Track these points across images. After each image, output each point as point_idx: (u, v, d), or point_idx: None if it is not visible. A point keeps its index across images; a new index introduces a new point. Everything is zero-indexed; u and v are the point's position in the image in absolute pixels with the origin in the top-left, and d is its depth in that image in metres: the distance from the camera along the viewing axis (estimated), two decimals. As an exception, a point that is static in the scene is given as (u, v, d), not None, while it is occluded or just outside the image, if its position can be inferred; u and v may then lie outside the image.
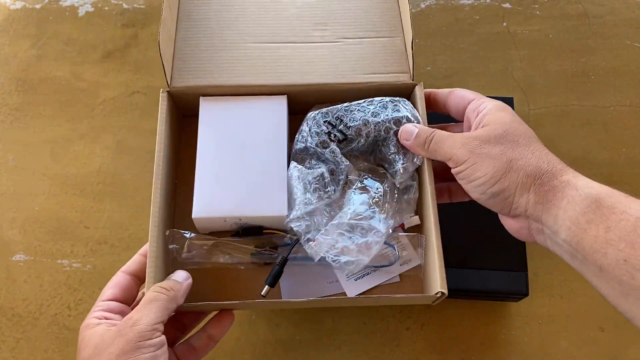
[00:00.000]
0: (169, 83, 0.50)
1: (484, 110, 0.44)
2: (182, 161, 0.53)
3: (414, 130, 0.46)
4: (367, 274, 0.50)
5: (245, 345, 0.59)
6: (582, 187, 0.37)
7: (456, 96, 0.48)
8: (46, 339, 0.60)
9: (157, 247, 0.45)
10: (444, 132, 0.44)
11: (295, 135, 0.50)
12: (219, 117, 0.49)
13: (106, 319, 0.41)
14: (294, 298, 0.47)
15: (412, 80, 0.51)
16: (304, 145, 0.49)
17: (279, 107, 0.50)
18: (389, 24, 0.54)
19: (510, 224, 0.42)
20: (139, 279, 0.46)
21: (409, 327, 0.60)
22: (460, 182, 0.43)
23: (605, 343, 0.58)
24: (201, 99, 0.50)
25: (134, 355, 0.37)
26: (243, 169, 0.47)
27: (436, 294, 0.43)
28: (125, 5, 0.81)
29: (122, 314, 0.42)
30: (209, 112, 0.49)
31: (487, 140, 0.41)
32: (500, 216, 0.44)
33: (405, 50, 0.53)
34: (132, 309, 0.43)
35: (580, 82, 0.74)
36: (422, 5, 0.80)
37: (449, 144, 0.43)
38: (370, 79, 0.51)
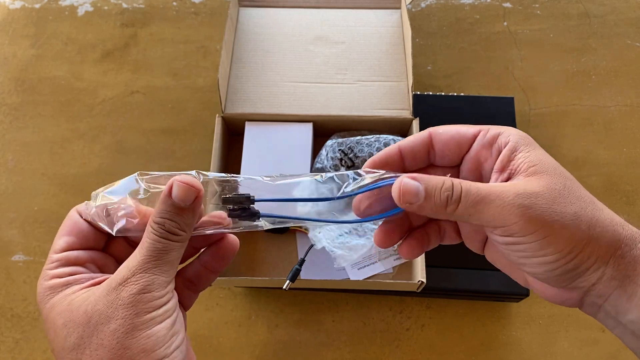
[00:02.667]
0: (223, 110, 0.64)
1: (512, 141, 0.31)
2: (229, 169, 0.66)
3: (418, 187, 0.29)
4: (368, 265, 0.59)
5: (245, 345, 0.59)
6: None
7: (444, 134, 0.32)
8: (45, 339, 0.59)
9: None
10: (474, 184, 0.29)
11: (317, 155, 0.63)
12: (259, 137, 0.63)
13: (72, 275, 0.30)
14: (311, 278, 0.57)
15: (412, 116, 0.64)
16: (321, 165, 0.61)
17: (306, 132, 0.63)
18: (396, 71, 0.68)
19: (552, 294, 0.32)
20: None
21: (409, 327, 0.60)
22: (511, 254, 0.31)
23: (605, 343, 0.58)
24: (246, 123, 0.64)
25: (149, 328, 0.27)
26: None
27: (418, 281, 0.53)
28: (124, 5, 0.81)
29: (92, 263, 0.31)
30: (252, 133, 0.63)
31: (553, 200, 0.29)
32: (530, 279, 0.33)
33: (408, 92, 0.65)
34: (104, 251, 0.32)
35: (580, 81, 0.74)
36: (423, 5, 0.80)
37: (497, 206, 0.28)
38: (378, 113, 0.65)
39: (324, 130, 0.65)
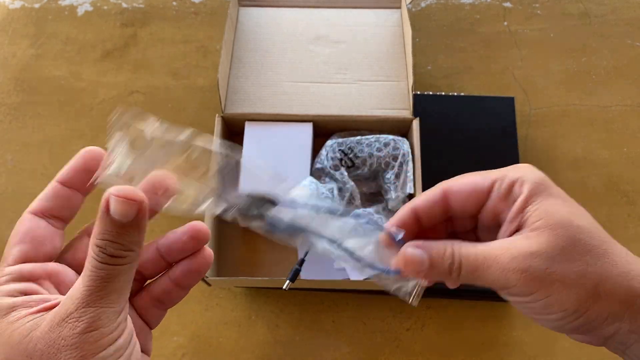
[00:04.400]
0: (223, 110, 0.63)
1: (525, 192, 0.30)
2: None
3: (422, 256, 0.30)
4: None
5: (245, 345, 0.59)
6: None
7: (460, 192, 0.32)
8: (45, 339, 0.59)
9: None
10: (472, 248, 0.30)
11: (317, 155, 0.63)
12: (259, 137, 0.63)
13: (23, 293, 0.26)
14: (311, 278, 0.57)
15: (412, 116, 0.63)
16: (321, 166, 0.62)
17: (305, 132, 0.63)
18: (397, 71, 0.67)
19: (578, 338, 0.31)
20: (59, 219, 0.31)
21: (409, 327, 0.60)
22: (522, 310, 0.31)
23: (606, 344, 0.58)
24: (246, 123, 0.64)
25: None
26: None
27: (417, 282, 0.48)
28: (124, 5, 0.81)
29: (47, 278, 0.28)
30: (252, 133, 0.63)
31: (554, 258, 0.28)
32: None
33: (408, 92, 0.65)
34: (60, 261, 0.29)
35: (581, 81, 0.74)
36: (423, 4, 0.80)
37: (496, 270, 0.29)
38: (378, 113, 0.64)
39: (324, 130, 0.65)
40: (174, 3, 0.81)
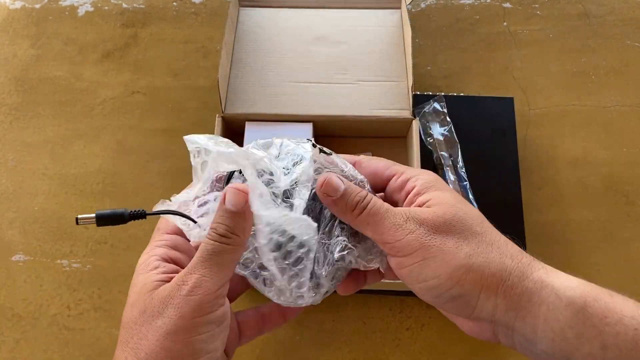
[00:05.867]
0: (223, 110, 0.63)
1: (417, 185, 0.34)
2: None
3: (340, 185, 0.33)
4: None
5: (244, 345, 0.59)
6: (560, 288, 0.30)
7: (366, 168, 0.37)
8: (46, 339, 0.59)
9: None
10: (381, 201, 0.33)
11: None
12: (260, 137, 0.64)
13: (168, 261, 0.32)
14: None
15: (412, 116, 0.63)
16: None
17: (306, 132, 0.63)
18: (396, 71, 0.67)
19: (468, 327, 0.34)
20: None
21: (409, 327, 0.60)
22: (402, 279, 0.33)
23: (605, 343, 0.58)
24: (247, 123, 0.64)
25: (189, 336, 0.28)
26: None
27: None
28: (125, 5, 0.81)
29: (189, 254, 0.33)
30: (252, 133, 0.63)
31: (437, 227, 0.32)
32: (449, 315, 0.35)
33: (408, 92, 0.65)
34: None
35: (580, 81, 0.74)
36: (423, 5, 0.80)
37: (390, 223, 0.32)
38: (378, 113, 0.64)
39: (324, 130, 0.65)
40: (175, 3, 0.81)
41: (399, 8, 0.72)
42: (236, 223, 0.30)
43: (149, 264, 0.32)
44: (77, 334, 0.60)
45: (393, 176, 0.36)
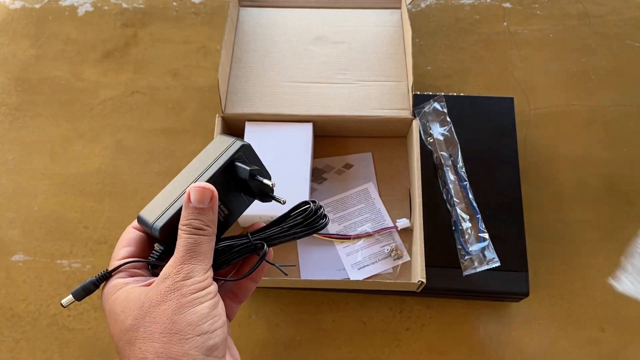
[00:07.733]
0: (223, 110, 0.64)
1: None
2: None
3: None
4: (368, 265, 0.59)
5: (245, 345, 0.59)
6: None
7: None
8: (45, 339, 0.59)
9: None
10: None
11: (317, 152, 0.65)
12: (260, 137, 0.63)
13: (132, 276, 0.35)
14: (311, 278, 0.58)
15: (412, 116, 0.63)
16: None
17: (306, 131, 0.63)
18: (397, 71, 0.67)
19: None
20: None
21: (409, 327, 0.60)
22: None
23: (605, 343, 0.58)
24: (247, 123, 0.64)
25: (194, 306, 0.32)
26: (275, 177, 0.52)
27: (418, 282, 0.53)
28: (124, 5, 0.81)
29: (147, 269, 0.37)
30: (252, 133, 0.63)
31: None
32: None
33: (408, 92, 0.65)
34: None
35: (580, 82, 0.74)
36: (423, 5, 0.80)
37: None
38: (378, 113, 0.64)
39: (324, 130, 0.65)
40: (174, 3, 0.81)
41: (399, 8, 0.72)
42: (207, 217, 0.34)
43: (116, 284, 0.35)
44: (77, 334, 0.60)
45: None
